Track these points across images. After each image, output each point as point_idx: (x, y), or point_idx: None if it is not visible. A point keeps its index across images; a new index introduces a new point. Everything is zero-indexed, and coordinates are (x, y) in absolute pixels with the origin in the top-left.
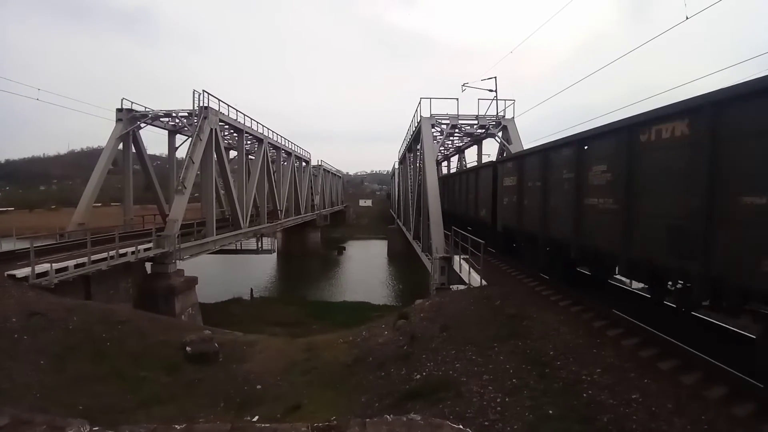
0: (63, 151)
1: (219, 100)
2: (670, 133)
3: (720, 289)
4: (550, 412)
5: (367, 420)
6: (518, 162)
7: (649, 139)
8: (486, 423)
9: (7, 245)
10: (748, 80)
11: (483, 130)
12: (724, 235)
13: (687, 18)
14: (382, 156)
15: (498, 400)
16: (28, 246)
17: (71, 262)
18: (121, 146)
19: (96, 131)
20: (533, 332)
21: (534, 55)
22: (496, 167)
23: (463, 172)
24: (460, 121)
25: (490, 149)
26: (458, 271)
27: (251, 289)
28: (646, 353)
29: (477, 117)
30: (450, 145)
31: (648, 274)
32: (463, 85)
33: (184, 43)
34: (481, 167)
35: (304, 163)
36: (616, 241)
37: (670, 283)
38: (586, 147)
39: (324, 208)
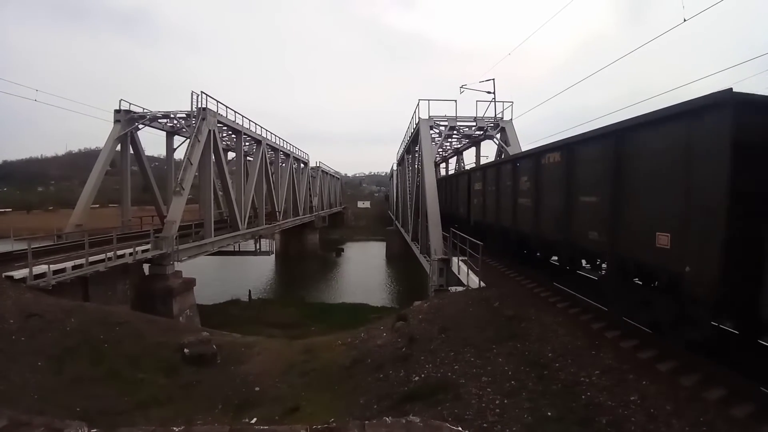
0: (61, 152)
1: (217, 101)
2: (553, 159)
3: (574, 251)
4: (549, 413)
5: (366, 422)
6: (482, 171)
7: (545, 162)
8: (485, 425)
9: (5, 246)
10: (584, 131)
11: (481, 132)
12: (573, 218)
13: (685, 20)
14: (380, 157)
15: (497, 402)
16: (26, 247)
17: (69, 264)
18: (119, 147)
19: (94, 132)
20: (532, 334)
21: (532, 57)
22: (470, 174)
23: (449, 176)
24: (459, 123)
25: (489, 151)
26: (457, 273)
27: (249, 291)
28: (645, 355)
29: (475, 119)
30: (448, 147)
31: (546, 248)
32: (462, 87)
33: (182, 44)
34: (459, 174)
35: (302, 165)
36: (532, 226)
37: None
38: (518, 164)
39: (322, 209)
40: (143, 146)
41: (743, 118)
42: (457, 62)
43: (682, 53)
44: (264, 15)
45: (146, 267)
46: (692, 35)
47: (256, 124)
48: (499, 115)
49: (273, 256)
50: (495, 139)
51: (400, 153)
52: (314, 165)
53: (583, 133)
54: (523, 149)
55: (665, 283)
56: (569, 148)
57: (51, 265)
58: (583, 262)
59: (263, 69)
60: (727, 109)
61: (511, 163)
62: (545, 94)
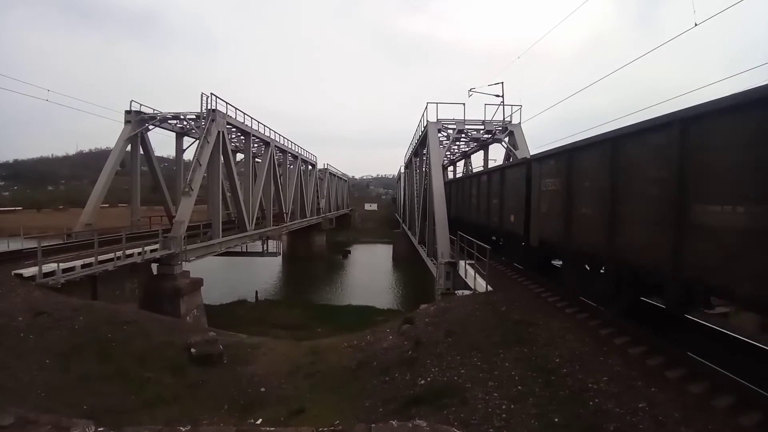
0: (71, 151)
1: (227, 103)
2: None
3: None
4: (556, 420)
5: (372, 425)
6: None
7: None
8: (491, 430)
9: (15, 244)
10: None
11: (489, 135)
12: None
13: (696, 24)
14: (388, 160)
15: (503, 407)
16: (36, 245)
17: (78, 262)
18: (129, 148)
19: (104, 132)
20: (539, 339)
21: (539, 59)
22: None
23: (457, 179)
24: (467, 126)
25: (497, 154)
26: (463, 277)
27: (256, 292)
28: (654, 362)
29: (483, 122)
30: (456, 150)
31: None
32: (470, 90)
33: (191, 46)
34: (468, 177)
35: (310, 167)
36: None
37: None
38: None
39: (329, 211)
40: (153, 147)
41: None
42: (465, 65)
43: (690, 54)
44: (271, 19)
45: (154, 266)
46: (703, 37)
47: (264, 125)
48: (508, 119)
49: (280, 258)
50: (503, 143)
51: (407, 156)
52: (322, 167)
53: (542, 152)
54: (531, 153)
55: None
56: (532, 164)
57: (60, 264)
58: None
59: (270, 71)
60: None
61: (523, 165)
62: (552, 96)
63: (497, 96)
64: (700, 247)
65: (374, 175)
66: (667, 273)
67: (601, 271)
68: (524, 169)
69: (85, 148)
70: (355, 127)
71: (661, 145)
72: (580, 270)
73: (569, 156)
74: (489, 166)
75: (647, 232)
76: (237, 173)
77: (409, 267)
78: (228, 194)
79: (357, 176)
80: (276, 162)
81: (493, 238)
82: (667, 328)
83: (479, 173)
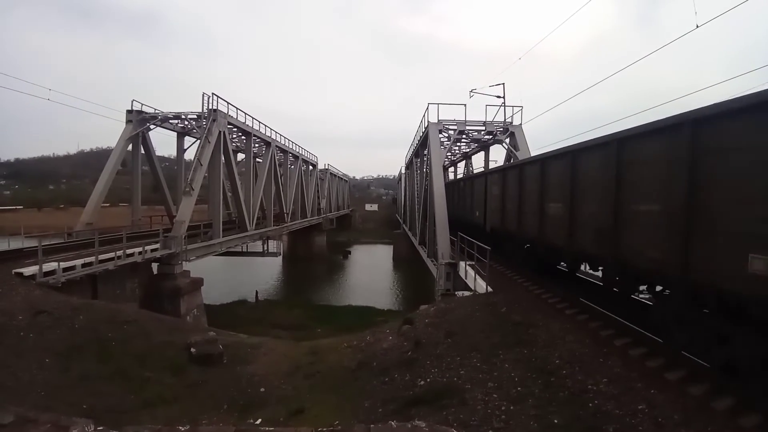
0: (72, 150)
1: (228, 103)
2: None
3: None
4: (556, 421)
5: (372, 426)
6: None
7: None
8: (490, 431)
9: (16, 243)
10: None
11: (490, 137)
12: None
13: (697, 26)
14: (388, 160)
15: (503, 408)
16: (36, 244)
17: (78, 261)
18: (130, 147)
19: (105, 132)
20: (539, 340)
21: (540, 60)
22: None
23: (458, 180)
24: (468, 127)
25: (498, 155)
26: (464, 278)
27: (256, 292)
28: (653, 363)
29: (484, 123)
30: (457, 151)
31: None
32: (471, 91)
33: (196, 47)
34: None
35: (311, 167)
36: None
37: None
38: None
39: (330, 211)
40: (154, 146)
41: None
42: (465, 65)
43: (691, 55)
44: (271, 19)
45: (155, 266)
46: (703, 39)
47: (265, 126)
48: (509, 120)
49: (280, 258)
50: (504, 144)
51: (408, 156)
52: (323, 167)
53: (509, 162)
54: (532, 153)
55: None
56: (484, 175)
57: (61, 263)
58: None
59: (270, 71)
60: None
61: (482, 177)
62: (553, 97)
63: (498, 97)
64: (547, 225)
65: (375, 176)
66: (539, 241)
67: (527, 245)
68: (483, 179)
69: (87, 148)
70: (355, 127)
71: (535, 171)
72: (512, 245)
73: (503, 172)
74: (489, 168)
75: (532, 219)
76: (238, 173)
77: (409, 268)
78: (229, 194)
79: (358, 177)
80: (277, 162)
81: (464, 231)
82: (568, 281)
83: (460, 180)
